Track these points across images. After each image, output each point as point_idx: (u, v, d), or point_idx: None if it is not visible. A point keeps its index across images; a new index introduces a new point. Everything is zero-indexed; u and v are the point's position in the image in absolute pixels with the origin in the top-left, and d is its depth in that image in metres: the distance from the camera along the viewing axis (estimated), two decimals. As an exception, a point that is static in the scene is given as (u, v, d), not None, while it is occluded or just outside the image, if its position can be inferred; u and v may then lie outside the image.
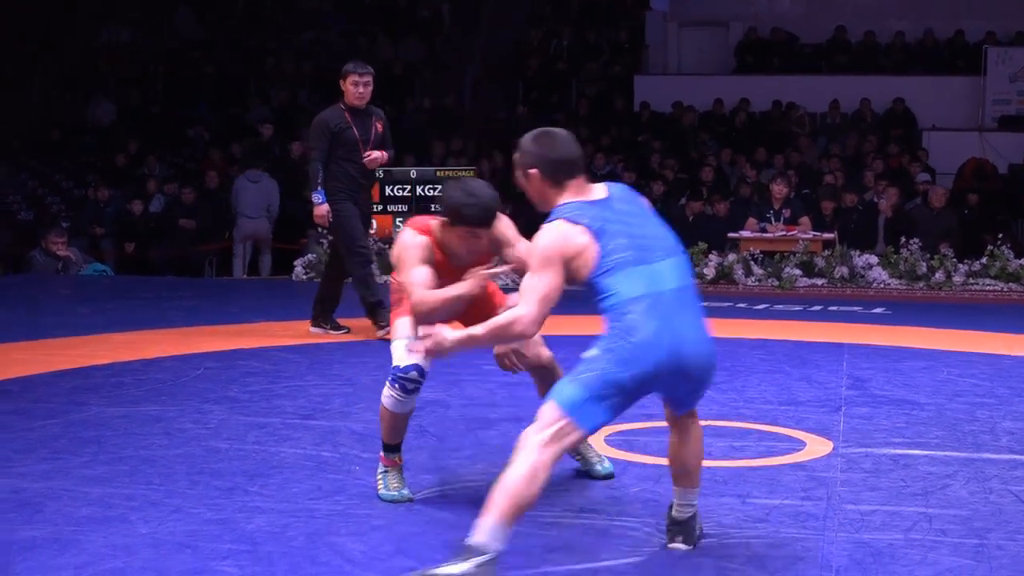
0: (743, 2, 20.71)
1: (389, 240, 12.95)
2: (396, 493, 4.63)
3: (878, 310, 10.91)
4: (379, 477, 4.71)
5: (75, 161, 18.59)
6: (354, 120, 8.56)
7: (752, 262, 12.62)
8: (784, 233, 12.97)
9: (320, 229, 13.54)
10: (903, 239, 12.69)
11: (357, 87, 8.56)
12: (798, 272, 12.44)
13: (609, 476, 4.91)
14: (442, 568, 3.62)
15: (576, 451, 4.94)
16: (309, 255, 13.45)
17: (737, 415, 6.16)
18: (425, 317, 4.38)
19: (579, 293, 3.94)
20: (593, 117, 18.78)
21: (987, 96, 18.45)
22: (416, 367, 4.52)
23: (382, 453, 4.71)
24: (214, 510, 4.49)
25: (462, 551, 3.63)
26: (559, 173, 3.96)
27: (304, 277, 13.18)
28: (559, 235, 3.84)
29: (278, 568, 3.90)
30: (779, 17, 20.62)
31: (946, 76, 18.85)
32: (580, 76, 20.27)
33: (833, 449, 5.50)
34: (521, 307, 3.85)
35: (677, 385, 3.90)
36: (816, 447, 5.56)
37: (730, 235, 13.21)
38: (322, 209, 8.53)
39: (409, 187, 13.29)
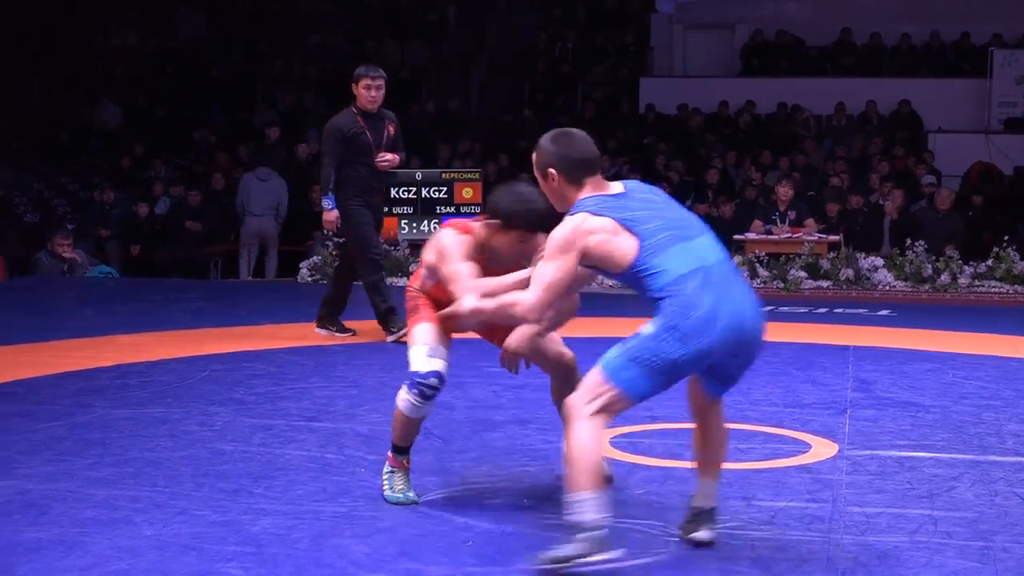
0: (749, 5, 20.70)
1: (394, 243, 12.96)
2: (401, 495, 4.63)
3: (884, 312, 10.90)
4: (385, 477, 4.71)
5: (81, 163, 18.62)
6: (367, 124, 8.53)
7: (757, 264, 12.61)
8: (789, 235, 12.97)
9: (325, 231, 13.59)
10: (909, 241, 12.68)
11: (369, 91, 8.53)
12: (803, 274, 12.44)
13: (608, 480, 4.89)
14: (560, 551, 3.76)
15: None
16: (315, 257, 13.46)
17: (743, 417, 6.15)
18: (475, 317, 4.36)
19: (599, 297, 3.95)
20: (599, 120, 18.78)
21: (993, 98, 18.44)
22: (436, 374, 4.53)
23: (390, 453, 4.70)
24: (219, 512, 4.49)
25: (569, 530, 3.76)
26: (578, 172, 4.03)
27: (309, 279, 13.19)
28: (576, 226, 3.91)
29: (283, 570, 3.89)
30: (785, 19, 20.61)
31: (952, 78, 18.84)
32: (586, 79, 20.28)
33: (838, 451, 5.49)
34: (526, 292, 3.97)
35: (729, 360, 3.94)
36: (821, 449, 5.55)
37: (735, 237, 13.20)
38: (331, 215, 8.52)
39: (415, 189, 13.29)
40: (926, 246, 12.57)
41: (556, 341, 4.70)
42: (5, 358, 7.85)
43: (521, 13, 21.91)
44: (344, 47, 21.02)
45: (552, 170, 4.05)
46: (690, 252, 3.90)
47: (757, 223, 13.23)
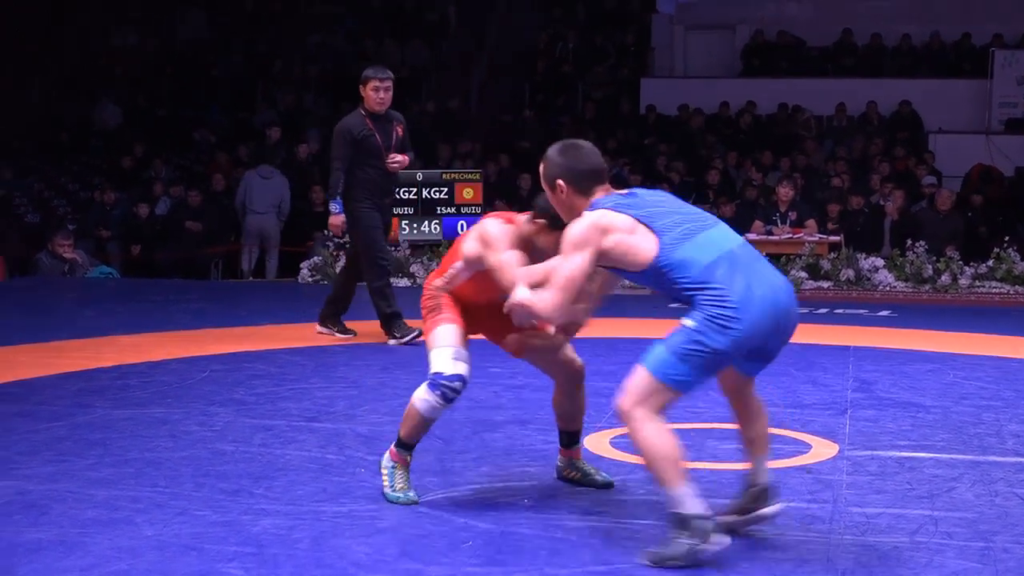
0: (749, 5, 20.71)
1: (395, 243, 12.96)
2: (402, 495, 4.63)
3: (884, 313, 10.90)
4: (385, 471, 4.68)
5: (81, 164, 18.62)
6: (375, 126, 8.49)
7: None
8: (790, 236, 12.97)
9: (327, 232, 13.57)
10: (909, 242, 12.68)
11: (378, 92, 8.48)
12: (804, 275, 12.44)
13: (609, 485, 4.89)
14: (673, 548, 3.84)
15: (573, 466, 4.93)
16: (315, 258, 13.46)
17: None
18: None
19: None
20: (599, 120, 18.80)
21: (994, 99, 18.44)
22: (461, 377, 4.53)
23: (394, 447, 4.68)
24: (219, 512, 4.49)
25: (673, 524, 3.85)
26: (587, 183, 4.09)
27: (310, 280, 13.19)
28: (593, 222, 3.95)
29: (283, 570, 3.89)
30: (786, 20, 20.62)
31: (953, 79, 18.84)
32: (587, 79, 20.29)
33: (839, 452, 5.49)
34: (545, 291, 4.00)
35: (769, 339, 3.97)
36: (822, 449, 5.55)
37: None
38: (338, 219, 8.48)
39: (415, 190, 13.28)
40: (927, 247, 12.57)
41: (569, 348, 4.71)
42: (5, 358, 7.85)
43: (521, 13, 21.92)
44: (344, 47, 21.02)
45: (561, 182, 4.10)
46: (710, 241, 3.94)
47: (758, 224, 13.23)
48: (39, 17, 19.52)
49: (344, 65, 20.09)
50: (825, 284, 12.41)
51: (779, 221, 13.17)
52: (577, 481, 4.92)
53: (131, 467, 5.14)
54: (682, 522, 3.84)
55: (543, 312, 4.05)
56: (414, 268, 12.82)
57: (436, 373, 4.54)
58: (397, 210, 13.18)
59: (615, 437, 5.69)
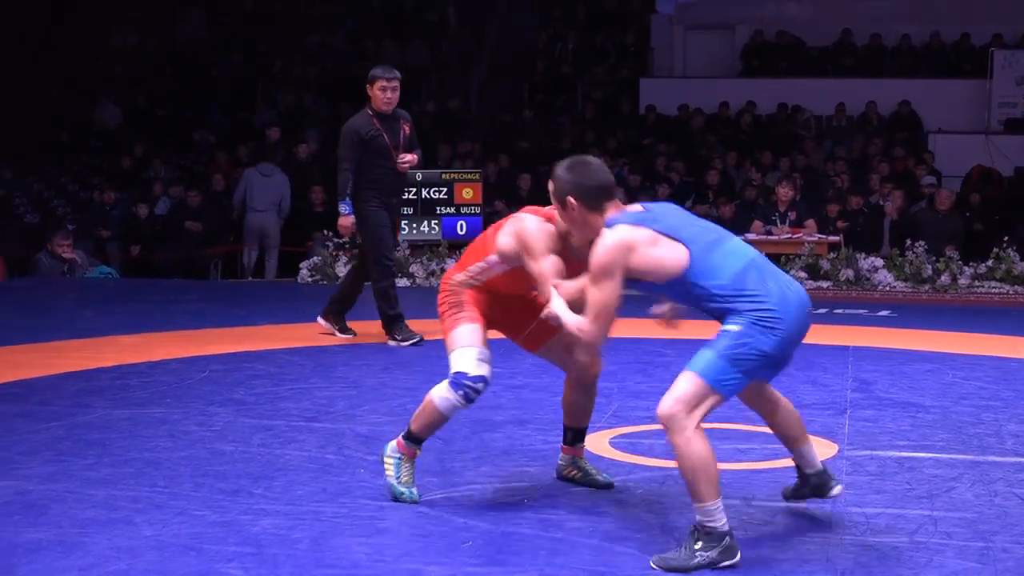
0: (749, 5, 20.69)
1: (396, 244, 12.94)
2: (406, 490, 4.62)
3: (883, 313, 10.90)
4: (391, 461, 4.66)
5: (81, 164, 18.61)
6: (383, 125, 8.45)
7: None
8: (789, 236, 12.97)
9: (325, 232, 13.56)
10: (908, 242, 12.68)
11: (385, 92, 8.45)
12: (804, 275, 12.44)
13: (609, 485, 4.90)
14: (683, 558, 3.89)
15: (576, 465, 4.94)
16: (315, 258, 13.46)
17: (742, 417, 6.14)
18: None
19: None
20: (599, 120, 18.79)
21: (993, 99, 18.43)
22: (483, 379, 4.55)
23: (403, 439, 4.67)
24: (219, 512, 4.49)
25: (698, 536, 3.90)
26: (597, 199, 4.13)
27: (309, 280, 13.19)
28: (616, 244, 3.99)
29: (283, 570, 3.90)
30: (785, 20, 20.60)
31: (952, 79, 18.83)
32: (586, 79, 20.28)
33: (838, 451, 5.50)
34: (584, 323, 4.07)
35: (796, 341, 4.06)
36: (821, 449, 5.53)
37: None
38: (347, 221, 8.42)
39: (415, 190, 13.27)
40: (926, 247, 12.57)
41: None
42: (5, 359, 7.85)
43: (521, 13, 21.90)
44: (344, 47, 21.02)
45: (571, 199, 4.13)
46: (732, 252, 4.03)
47: (757, 224, 13.23)
48: (39, 17, 19.51)
49: (344, 65, 20.09)
50: (824, 284, 12.41)
51: (778, 221, 13.17)
52: (577, 480, 4.92)
53: (130, 467, 5.14)
54: (710, 536, 3.88)
55: (585, 342, 4.18)
56: (413, 268, 12.81)
57: (460, 373, 4.54)
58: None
59: (615, 437, 5.69)
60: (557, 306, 4.20)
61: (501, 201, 14.86)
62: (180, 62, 20.95)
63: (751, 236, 12.98)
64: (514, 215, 4.62)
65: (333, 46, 21.05)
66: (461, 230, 13.23)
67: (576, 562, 3.99)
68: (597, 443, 5.51)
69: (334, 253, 13.19)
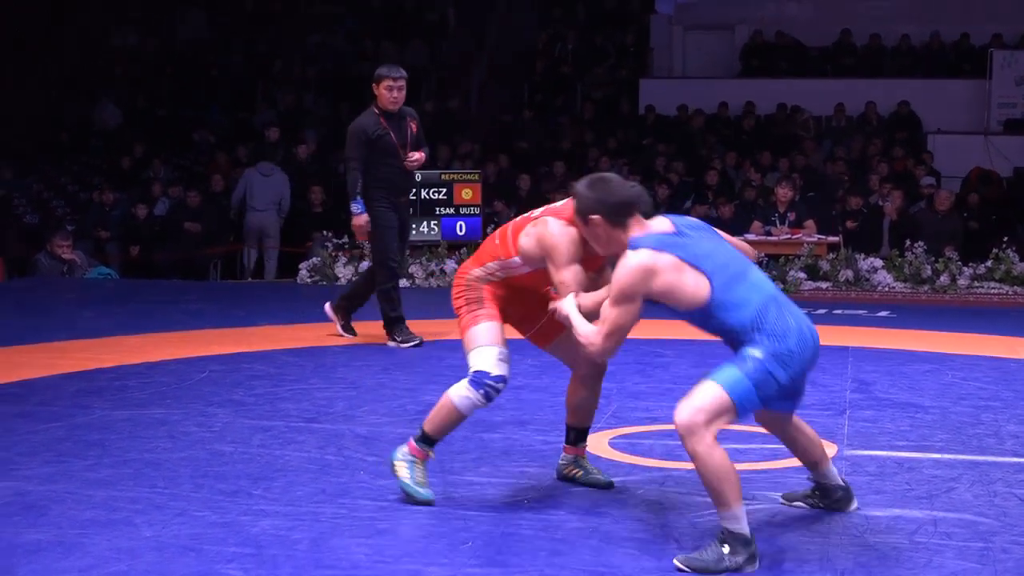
0: (749, 5, 20.70)
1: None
2: (422, 491, 4.60)
3: (883, 313, 10.90)
4: (403, 464, 4.65)
5: (81, 164, 18.62)
6: (390, 124, 8.42)
7: (757, 265, 12.60)
8: (789, 236, 12.97)
9: (324, 232, 13.57)
10: (908, 242, 12.68)
11: (391, 91, 8.41)
12: (803, 275, 12.44)
13: (609, 485, 4.90)
14: (711, 559, 3.90)
15: (577, 464, 4.94)
16: (314, 258, 13.46)
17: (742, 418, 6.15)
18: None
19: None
20: (598, 120, 18.79)
21: (992, 99, 18.43)
22: (504, 379, 4.56)
23: (415, 442, 4.66)
24: (218, 513, 4.49)
25: (725, 540, 3.91)
26: (621, 215, 4.15)
27: (309, 280, 13.18)
28: (640, 270, 4.03)
29: (282, 571, 3.90)
30: (785, 20, 20.61)
31: (952, 79, 18.83)
32: (585, 79, 20.28)
33: (838, 452, 5.49)
34: (597, 336, 4.12)
35: (808, 374, 4.14)
36: (821, 450, 5.55)
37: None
38: (361, 219, 8.34)
39: (414, 190, 13.25)
40: (925, 247, 12.57)
41: None
42: (5, 359, 7.85)
43: (521, 13, 21.91)
44: (344, 47, 21.01)
45: (595, 216, 4.16)
46: (754, 285, 4.10)
47: (756, 224, 13.23)
48: (39, 17, 19.51)
49: (344, 65, 20.09)
50: (824, 285, 12.41)
51: (778, 222, 13.17)
52: (578, 480, 4.92)
53: (130, 468, 5.14)
54: (736, 540, 3.90)
55: (591, 354, 4.23)
56: (413, 269, 12.81)
57: (481, 372, 4.54)
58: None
59: (614, 438, 5.69)
60: (572, 313, 4.25)
61: (500, 202, 14.86)
62: (180, 62, 20.96)
63: (750, 237, 12.98)
64: (536, 217, 4.58)
65: (333, 46, 21.05)
66: (460, 231, 13.23)
67: (576, 562, 3.99)
68: (597, 444, 5.51)
69: (333, 254, 13.19)
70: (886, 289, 12.36)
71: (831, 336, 9.22)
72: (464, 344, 4.64)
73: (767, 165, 16.52)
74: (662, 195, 14.84)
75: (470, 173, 13.98)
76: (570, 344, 4.61)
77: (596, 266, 4.56)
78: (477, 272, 4.69)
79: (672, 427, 4.07)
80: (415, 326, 8.61)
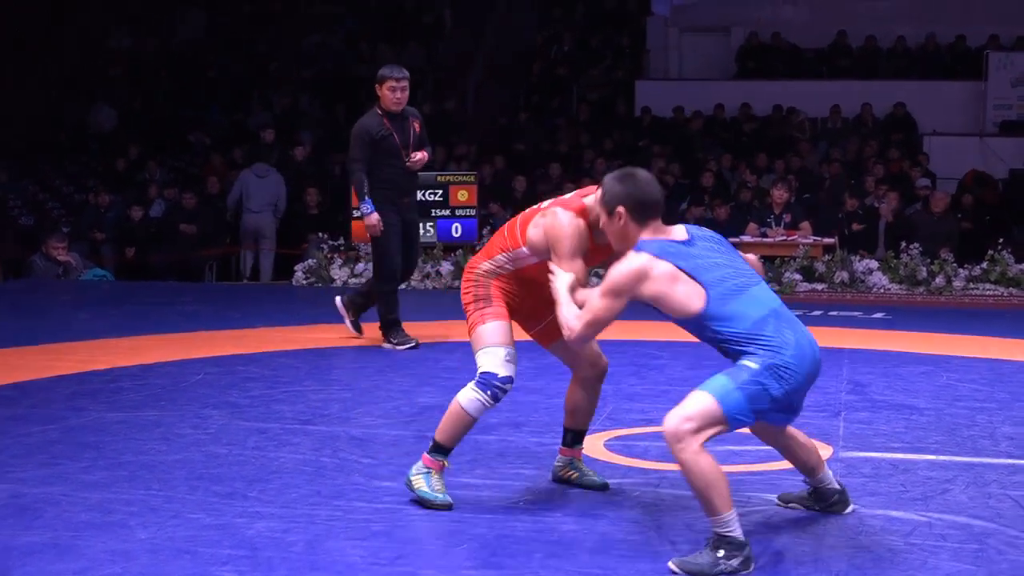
0: (745, 7, 20.72)
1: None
2: (441, 496, 4.58)
3: (878, 315, 10.90)
4: (419, 476, 4.62)
5: (77, 165, 18.60)
6: (393, 125, 8.40)
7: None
8: (784, 238, 12.98)
9: (320, 234, 13.56)
10: (903, 244, 12.69)
11: (394, 92, 8.40)
12: (798, 277, 12.45)
13: (604, 487, 4.89)
14: (704, 564, 3.89)
15: (573, 466, 4.94)
16: (310, 260, 13.45)
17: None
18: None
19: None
20: (594, 122, 18.80)
21: (988, 101, 18.45)
22: (511, 380, 4.55)
23: (428, 455, 4.64)
24: (213, 515, 4.48)
25: (718, 545, 3.91)
26: (646, 214, 4.15)
27: (304, 282, 13.18)
28: (637, 271, 4.03)
29: (277, 573, 3.89)
30: (780, 22, 20.64)
31: (947, 81, 18.85)
32: (582, 81, 20.29)
33: (833, 454, 5.49)
34: (578, 320, 4.15)
35: (806, 390, 4.12)
36: (816, 452, 5.55)
37: (730, 240, 13.17)
38: (373, 218, 8.28)
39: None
40: (921, 249, 12.58)
41: (594, 343, 4.69)
42: (-1, 361, 7.85)
43: (519, 14, 21.92)
44: (340, 49, 21.00)
45: (621, 208, 4.15)
46: (756, 299, 4.07)
47: (752, 226, 13.24)
48: (39, 17, 19.51)
49: (340, 67, 20.08)
50: (819, 286, 12.41)
51: (773, 223, 13.17)
52: (574, 482, 4.92)
53: (124, 470, 5.13)
54: (731, 544, 3.90)
55: (565, 336, 4.24)
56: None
57: (489, 373, 4.53)
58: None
59: (609, 440, 5.69)
60: (562, 291, 4.26)
61: (496, 203, 14.86)
62: (179, 63, 20.94)
63: (746, 238, 13.00)
64: (545, 208, 4.57)
65: (331, 47, 21.04)
66: (456, 233, 13.22)
67: (571, 564, 3.99)
68: (592, 446, 5.50)
69: (329, 256, 13.19)
70: (882, 291, 12.37)
71: (827, 338, 9.21)
72: (472, 343, 4.64)
73: (763, 167, 16.53)
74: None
75: (466, 175, 13.98)
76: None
77: (597, 262, 4.57)
78: (486, 265, 4.68)
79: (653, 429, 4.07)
80: (411, 328, 8.61)
